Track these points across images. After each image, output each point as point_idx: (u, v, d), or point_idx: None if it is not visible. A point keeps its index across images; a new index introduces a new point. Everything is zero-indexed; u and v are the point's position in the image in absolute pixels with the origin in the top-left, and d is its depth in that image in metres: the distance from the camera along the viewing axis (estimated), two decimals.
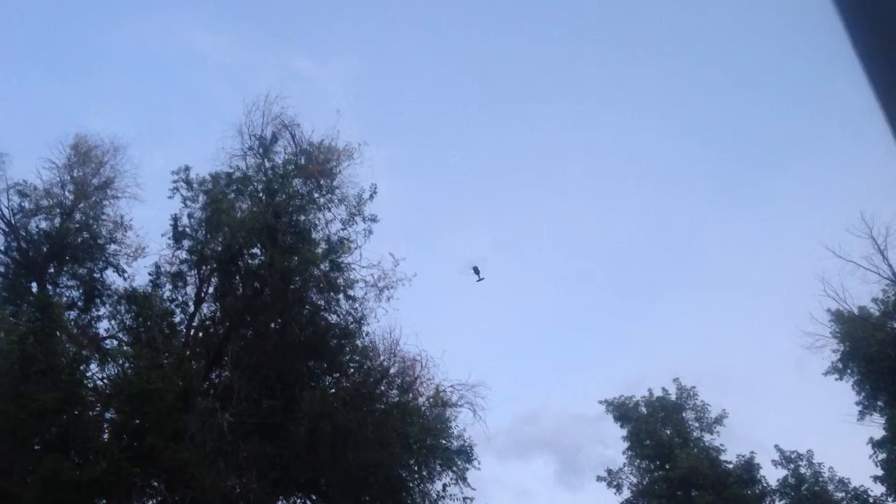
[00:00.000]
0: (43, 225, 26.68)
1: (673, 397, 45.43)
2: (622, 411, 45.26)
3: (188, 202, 27.02)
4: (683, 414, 44.72)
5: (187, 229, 26.86)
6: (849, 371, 39.16)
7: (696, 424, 44.47)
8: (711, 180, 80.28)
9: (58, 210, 26.78)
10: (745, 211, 76.26)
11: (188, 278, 26.97)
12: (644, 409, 45.00)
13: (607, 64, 79.35)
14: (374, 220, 27.76)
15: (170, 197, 26.93)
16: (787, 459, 41.65)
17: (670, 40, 76.57)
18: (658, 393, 45.62)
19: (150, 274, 26.78)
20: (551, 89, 78.22)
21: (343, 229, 27.66)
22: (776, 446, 42.18)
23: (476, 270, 31.84)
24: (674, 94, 78.92)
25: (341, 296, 27.01)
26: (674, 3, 74.97)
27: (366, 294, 27.12)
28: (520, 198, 72.04)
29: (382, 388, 26.51)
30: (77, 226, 26.76)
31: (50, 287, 26.05)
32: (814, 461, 41.35)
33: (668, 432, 43.76)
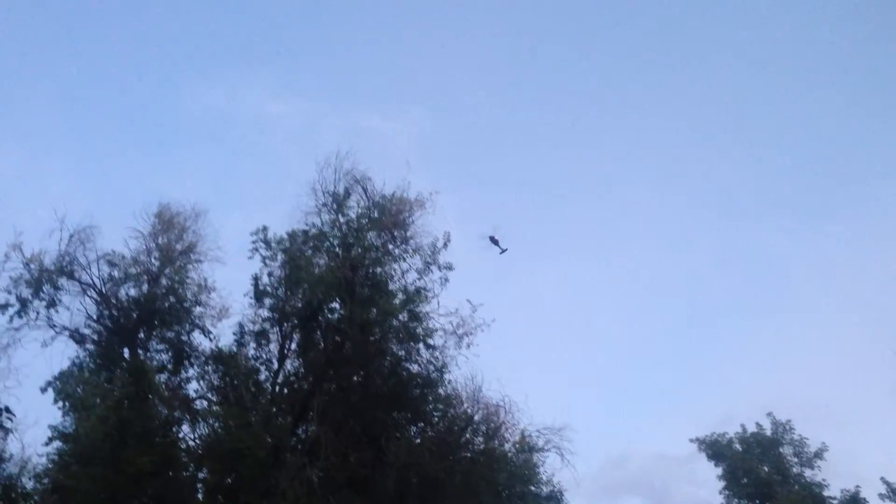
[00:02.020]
0: (132, 292, 27.65)
1: (768, 432, 43.71)
2: (715, 449, 43.73)
3: (267, 261, 27.73)
4: (781, 449, 42.93)
5: (268, 288, 27.48)
6: None
7: (795, 460, 42.60)
8: (789, 201, 77.92)
9: (145, 277, 27.72)
10: (828, 230, 73.78)
11: (271, 336, 27.46)
12: (739, 447, 43.39)
13: (668, 91, 78.54)
14: (449, 268, 27.95)
15: (249, 257, 27.75)
16: (894, 492, 39.45)
17: (734, 59, 75.32)
18: (752, 428, 44.00)
19: (234, 334, 27.44)
20: (613, 124, 77.80)
21: (419, 279, 27.87)
22: (882, 479, 40.00)
23: (495, 241, 31.35)
24: (744, 113, 77.34)
25: (421, 345, 27.09)
26: (750, 20, 73.80)
27: (445, 342, 27.15)
28: (592, 236, 71.34)
29: (468, 435, 26.32)
30: (164, 291, 27.61)
31: (141, 352, 26.83)
32: None
33: (766, 469, 42.05)
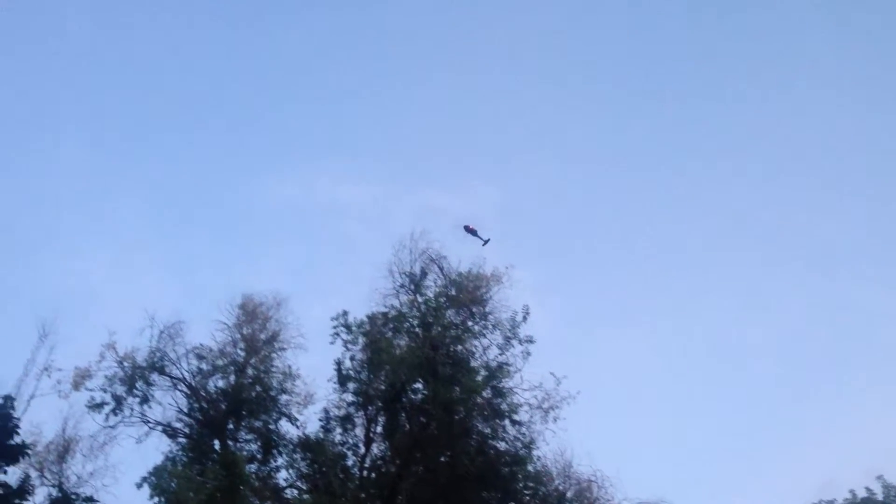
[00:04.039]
0: (220, 383, 28.15)
1: (879, 496, 41.06)
2: None
3: (349, 345, 28.08)
4: None
5: (351, 372, 27.73)
6: None
7: None
8: (882, 252, 74.62)
9: (232, 368, 28.24)
10: None
11: (356, 420, 27.53)
12: None
13: (737, 144, 77.45)
14: (530, 341, 27.76)
15: (331, 342, 28.16)
16: None
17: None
18: (861, 493, 41.41)
19: (320, 420, 27.63)
20: (688, 182, 76.83)
21: (501, 354, 27.75)
22: None
23: (473, 232, 30.55)
24: (826, 160, 75.35)
25: (507, 421, 26.77)
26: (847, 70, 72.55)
27: (531, 417, 26.78)
28: (672, 301, 69.63)
29: None
30: (250, 381, 28.03)
31: (231, 442, 27.12)
32: None
33: None
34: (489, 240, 30.98)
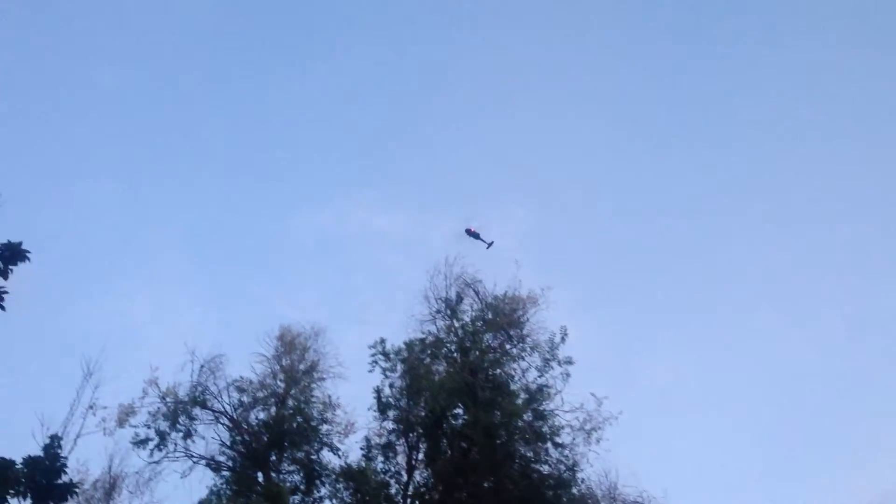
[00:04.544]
0: (261, 415, 28.38)
1: None
2: None
3: (387, 373, 28.12)
4: None
5: (390, 399, 27.74)
6: None
7: None
8: None
9: (272, 399, 28.44)
10: None
11: (398, 447, 27.49)
12: None
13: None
14: (569, 362, 27.56)
15: (370, 370, 28.22)
16: None
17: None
18: None
19: (361, 448, 27.64)
20: (717, 198, 75.88)
21: (540, 376, 27.59)
22: None
23: (475, 235, 30.07)
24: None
25: (549, 444, 26.51)
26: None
27: (574, 439, 26.50)
28: (711, 318, 68.51)
29: None
30: (291, 411, 28.18)
31: (273, 474, 27.23)
32: None
33: None
34: (492, 242, 30.92)
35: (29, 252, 13.86)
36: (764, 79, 76.52)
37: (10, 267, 13.79)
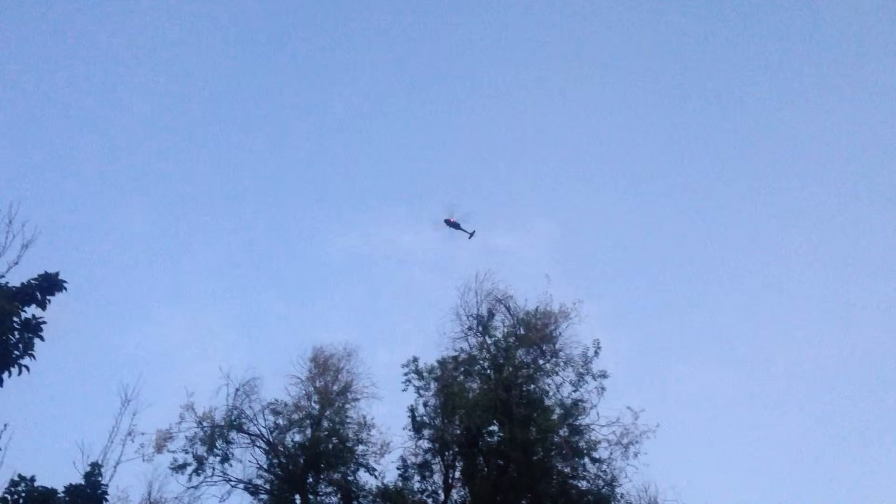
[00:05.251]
0: (297, 438, 28.41)
1: None
2: None
3: (421, 391, 28.11)
4: None
5: (425, 418, 27.69)
6: None
7: None
8: None
9: (308, 421, 28.48)
10: None
11: (434, 467, 27.40)
12: None
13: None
14: (604, 376, 27.38)
15: (404, 390, 28.22)
16: None
17: None
18: None
19: (398, 468, 27.58)
20: (744, 206, 75.07)
21: (575, 391, 27.41)
22: None
23: (455, 225, 29.50)
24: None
25: (587, 459, 26.31)
26: None
27: (612, 454, 26.27)
28: (746, 326, 67.60)
29: None
30: (326, 433, 28.22)
31: (311, 496, 27.24)
32: None
33: None
34: (474, 232, 30.50)
35: (66, 282, 14.11)
36: (795, 82, 76.00)
37: (48, 297, 14.04)
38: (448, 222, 31.06)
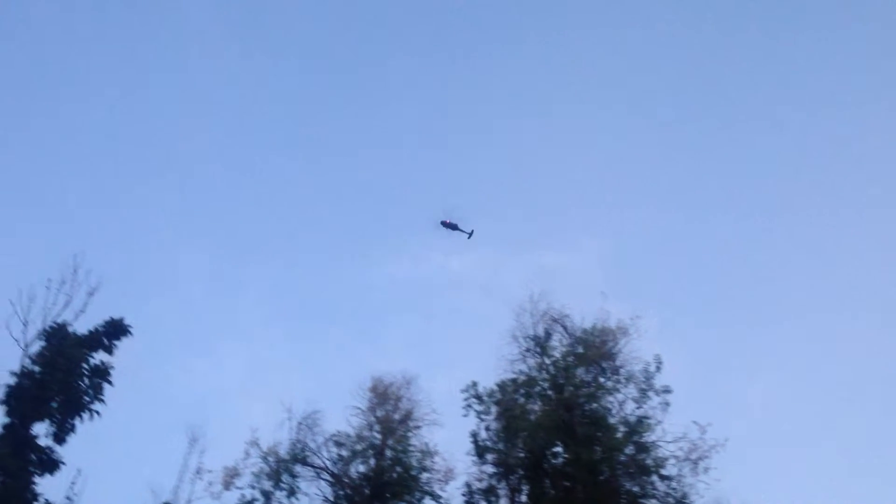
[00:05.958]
0: (361, 468, 28.45)
1: None
2: None
3: (482, 416, 27.89)
4: None
5: (487, 443, 27.44)
6: None
7: None
8: None
9: (370, 451, 28.51)
10: None
11: (499, 491, 27.07)
12: None
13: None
14: (667, 391, 26.85)
15: (464, 415, 28.09)
16: None
17: None
18: None
19: (463, 494, 27.29)
20: (788, 214, 73.39)
21: (638, 407, 26.91)
22: None
23: (452, 226, 28.69)
24: None
25: (655, 477, 25.71)
26: None
27: (680, 470, 25.63)
28: (804, 333, 65.63)
29: None
30: (390, 462, 28.21)
31: None
32: None
33: None
34: (472, 232, 30.01)
35: (131, 326, 14.44)
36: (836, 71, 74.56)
37: (115, 342, 14.38)
38: (444, 224, 30.80)
